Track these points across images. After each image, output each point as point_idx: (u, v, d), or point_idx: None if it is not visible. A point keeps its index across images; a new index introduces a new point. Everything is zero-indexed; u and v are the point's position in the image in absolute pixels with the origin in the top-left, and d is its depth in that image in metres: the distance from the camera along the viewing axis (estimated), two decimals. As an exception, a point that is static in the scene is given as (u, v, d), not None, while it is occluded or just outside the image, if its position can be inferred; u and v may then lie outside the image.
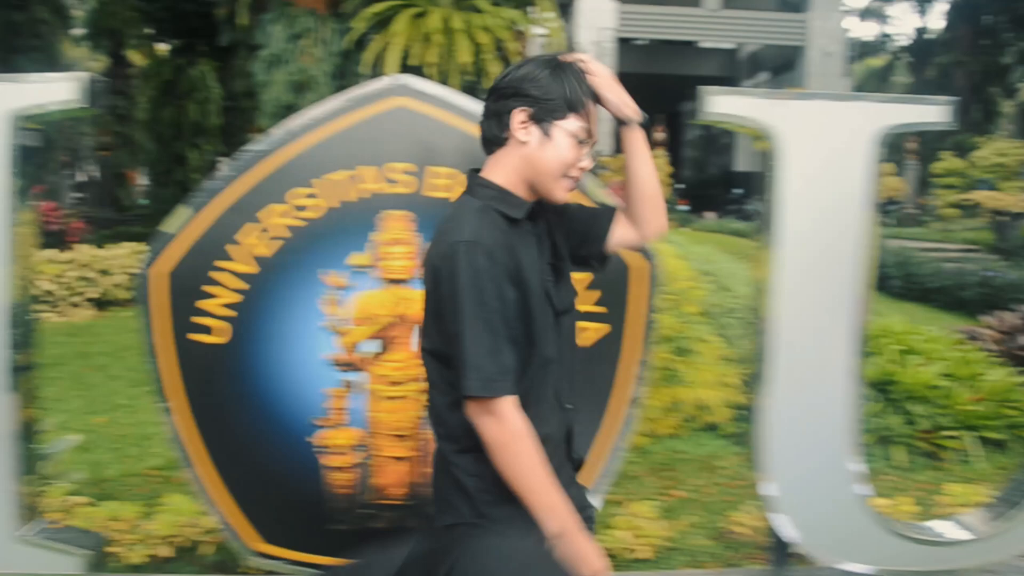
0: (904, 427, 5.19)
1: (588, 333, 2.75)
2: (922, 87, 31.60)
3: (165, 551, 3.48)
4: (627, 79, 2.53)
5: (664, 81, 27.07)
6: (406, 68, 8.71)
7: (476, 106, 2.66)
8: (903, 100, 2.98)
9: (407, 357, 2.71)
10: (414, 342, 2.71)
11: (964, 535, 3.21)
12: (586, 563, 1.84)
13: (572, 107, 1.91)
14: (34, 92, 2.62)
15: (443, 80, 8.67)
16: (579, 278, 2.66)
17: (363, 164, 2.64)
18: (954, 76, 30.01)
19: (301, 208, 2.65)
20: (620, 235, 2.17)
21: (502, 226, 1.88)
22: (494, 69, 8.82)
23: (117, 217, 18.99)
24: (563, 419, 2.03)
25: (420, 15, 8.83)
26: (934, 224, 22.18)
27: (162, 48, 18.06)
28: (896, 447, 5.13)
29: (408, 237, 2.66)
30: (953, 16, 31.14)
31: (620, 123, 2.11)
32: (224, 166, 2.71)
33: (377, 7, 9.03)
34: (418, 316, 2.69)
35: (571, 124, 1.91)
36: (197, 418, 2.76)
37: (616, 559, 3.55)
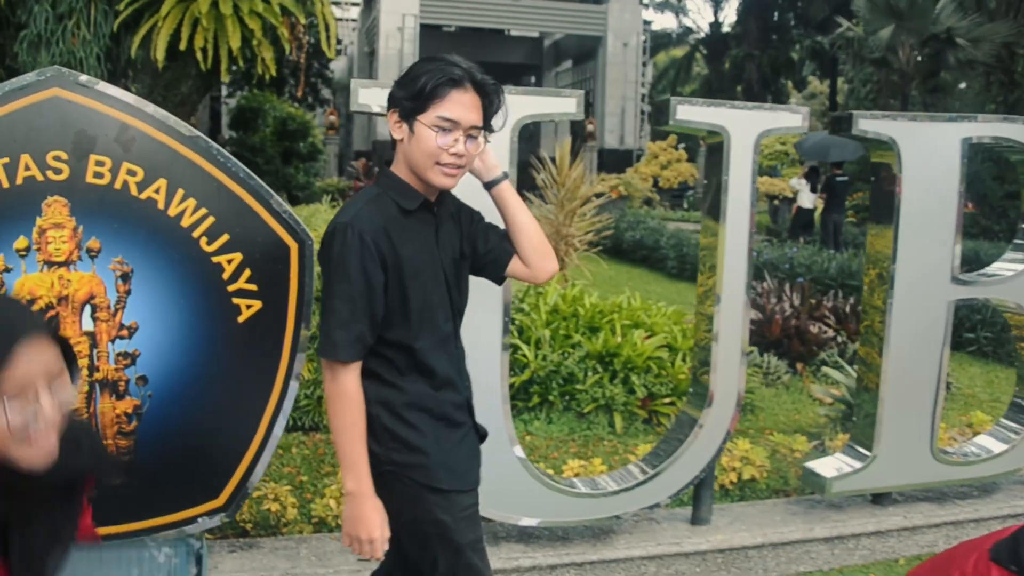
0: (624, 396, 5.66)
1: (249, 310, 2.93)
2: (718, 79, 33.30)
3: None
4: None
5: (472, 68, 27.48)
6: (175, 53, 8.58)
7: (131, 98, 2.81)
8: (537, 93, 3.28)
9: (72, 337, 2.82)
10: (80, 322, 2.83)
11: (614, 487, 3.60)
12: (364, 527, 2.11)
13: (428, 100, 2.08)
14: None
15: (213, 66, 8.60)
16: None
17: (21, 152, 2.72)
18: (746, 68, 31.78)
19: (-41, 196, 2.71)
20: (515, 269, 2.39)
21: (392, 213, 2.11)
22: (268, 55, 8.82)
23: None
24: (465, 392, 2.30)
25: (189, -2, 8.71)
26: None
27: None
28: (617, 414, 5.59)
29: (65, 221, 2.77)
30: (744, 12, 32.88)
31: (488, 185, 2.34)
32: None
33: (146, -12, 8.83)
34: (81, 297, 2.83)
35: (428, 117, 2.09)
36: None
37: (327, 526, 3.76)
